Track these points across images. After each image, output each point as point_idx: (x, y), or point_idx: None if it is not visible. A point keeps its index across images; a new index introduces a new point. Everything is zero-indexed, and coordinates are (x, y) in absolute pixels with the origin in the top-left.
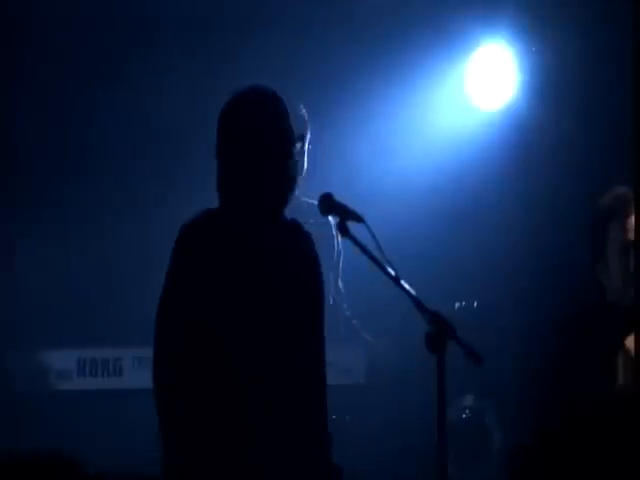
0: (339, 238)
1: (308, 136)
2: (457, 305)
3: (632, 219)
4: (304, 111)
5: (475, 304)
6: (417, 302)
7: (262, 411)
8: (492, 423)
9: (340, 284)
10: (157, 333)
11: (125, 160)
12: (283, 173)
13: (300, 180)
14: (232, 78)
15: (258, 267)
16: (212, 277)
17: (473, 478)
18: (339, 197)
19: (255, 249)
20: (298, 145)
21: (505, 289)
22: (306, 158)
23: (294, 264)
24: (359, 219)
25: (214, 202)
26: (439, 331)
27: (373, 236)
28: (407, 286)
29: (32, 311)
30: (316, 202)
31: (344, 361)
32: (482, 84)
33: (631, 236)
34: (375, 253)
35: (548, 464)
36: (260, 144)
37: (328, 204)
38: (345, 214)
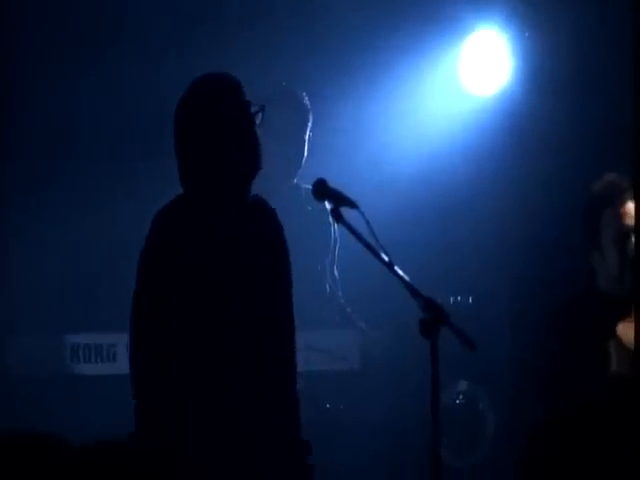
0: (335, 225)
1: (310, 124)
2: (452, 300)
3: (626, 206)
4: (307, 100)
5: (470, 300)
6: (411, 288)
7: (230, 395)
8: (486, 408)
9: (335, 272)
10: (131, 323)
11: (122, 147)
12: (241, 158)
13: (294, 169)
14: (228, 64)
15: (221, 251)
16: (177, 265)
17: (467, 463)
18: (332, 183)
19: (218, 234)
20: (258, 129)
21: (499, 276)
22: (307, 146)
23: (258, 244)
24: (353, 205)
25: None
26: (433, 317)
27: (367, 222)
28: (401, 272)
29: (25, 297)
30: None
31: (338, 348)
32: (475, 70)
33: (627, 222)
34: (369, 239)
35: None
36: (215, 131)
37: (322, 190)
38: (339, 200)
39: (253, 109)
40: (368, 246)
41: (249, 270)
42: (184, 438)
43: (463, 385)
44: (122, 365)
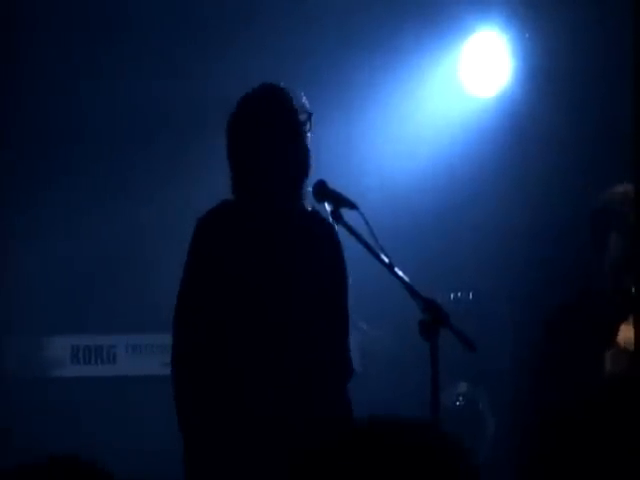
0: (335, 227)
1: (308, 125)
2: (452, 296)
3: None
4: (305, 100)
5: (470, 295)
6: (411, 289)
7: (278, 408)
8: (486, 410)
9: None
10: (175, 325)
11: (119, 147)
12: (295, 167)
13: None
14: (228, 65)
15: (271, 260)
16: (225, 271)
17: None
18: (332, 185)
19: (269, 247)
20: (307, 136)
21: (501, 276)
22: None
23: (310, 258)
24: (353, 206)
25: (209, 191)
26: (432, 318)
27: (367, 223)
28: (401, 273)
29: (26, 298)
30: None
31: None
32: (476, 71)
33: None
34: (369, 240)
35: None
36: (268, 139)
37: (322, 191)
38: (339, 201)
39: (302, 117)
40: (368, 247)
41: (293, 283)
42: (221, 444)
43: (463, 386)
44: (122, 367)
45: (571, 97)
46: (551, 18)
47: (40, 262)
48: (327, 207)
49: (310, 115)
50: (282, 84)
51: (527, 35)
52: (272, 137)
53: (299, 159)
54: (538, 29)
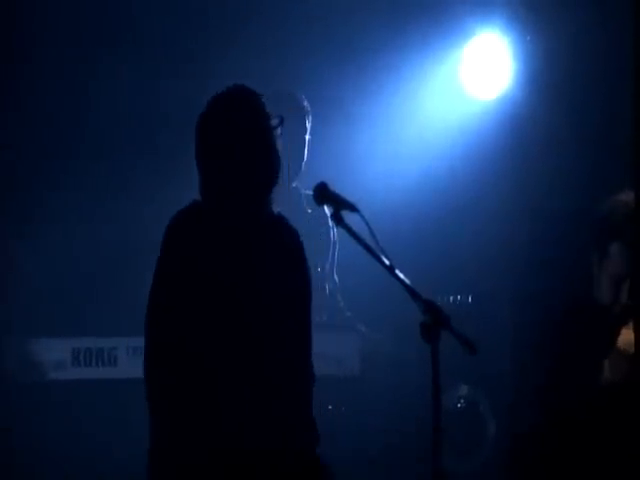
0: (335, 229)
1: (309, 127)
2: (452, 299)
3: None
4: (306, 102)
5: (470, 298)
6: (412, 291)
7: (244, 410)
8: (487, 412)
9: (335, 275)
10: (145, 332)
11: (120, 147)
12: (261, 169)
13: (294, 172)
14: (229, 65)
15: (234, 262)
16: (193, 277)
17: (468, 467)
18: (333, 187)
19: (237, 247)
20: (279, 142)
21: (501, 279)
22: (306, 149)
23: (273, 258)
24: (353, 208)
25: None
26: (433, 321)
27: (368, 225)
28: (402, 275)
29: (25, 300)
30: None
31: (338, 352)
32: (477, 73)
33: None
34: (370, 242)
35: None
36: (236, 142)
37: (323, 194)
38: (339, 204)
39: (273, 122)
40: (369, 249)
41: (262, 283)
42: (192, 442)
43: (464, 389)
44: (123, 369)
45: (572, 100)
46: (552, 21)
47: (40, 263)
48: (327, 210)
49: (282, 120)
50: (252, 87)
51: (528, 38)
52: (240, 141)
53: (267, 164)
54: (539, 32)
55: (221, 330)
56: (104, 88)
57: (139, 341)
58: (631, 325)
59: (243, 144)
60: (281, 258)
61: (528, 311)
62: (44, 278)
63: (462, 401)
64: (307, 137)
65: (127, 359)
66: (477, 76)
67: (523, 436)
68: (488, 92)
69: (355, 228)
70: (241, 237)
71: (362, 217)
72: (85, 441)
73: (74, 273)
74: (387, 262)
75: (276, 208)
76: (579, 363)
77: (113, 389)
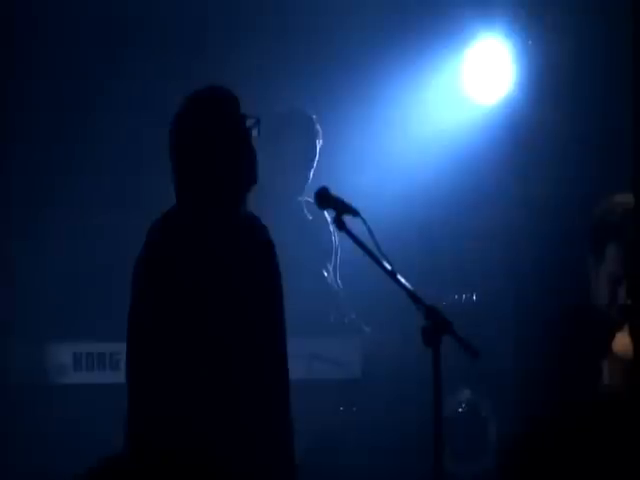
0: (336, 234)
1: (318, 149)
2: (456, 297)
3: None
4: (318, 126)
5: (474, 296)
6: (413, 296)
7: (216, 412)
8: (489, 416)
9: (338, 279)
10: (127, 336)
11: (122, 151)
12: (237, 172)
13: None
14: (232, 64)
15: (208, 266)
16: (165, 278)
17: (470, 471)
18: (335, 191)
19: (207, 248)
20: (254, 142)
21: (504, 285)
22: (312, 171)
23: (243, 260)
24: (355, 213)
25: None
26: (435, 325)
27: (369, 230)
28: (403, 280)
29: (28, 305)
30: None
31: (341, 355)
32: (478, 79)
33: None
34: (371, 247)
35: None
36: (210, 145)
37: (324, 198)
38: (341, 208)
39: (249, 122)
40: (370, 254)
41: (234, 284)
42: (171, 446)
43: (466, 393)
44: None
45: (575, 105)
46: (554, 25)
47: (41, 267)
48: (327, 215)
49: (258, 121)
50: (227, 88)
51: (530, 42)
52: (214, 140)
53: (242, 164)
54: (541, 36)
55: (190, 334)
56: (103, 88)
57: None
58: (626, 330)
59: (217, 143)
60: (252, 260)
61: (533, 314)
62: (45, 282)
63: (464, 405)
64: (315, 159)
65: None
66: (478, 81)
67: (525, 439)
68: (489, 97)
69: (357, 232)
70: (212, 240)
71: (364, 221)
72: (87, 445)
73: (76, 276)
74: (389, 267)
75: (251, 208)
76: (577, 366)
77: (115, 394)
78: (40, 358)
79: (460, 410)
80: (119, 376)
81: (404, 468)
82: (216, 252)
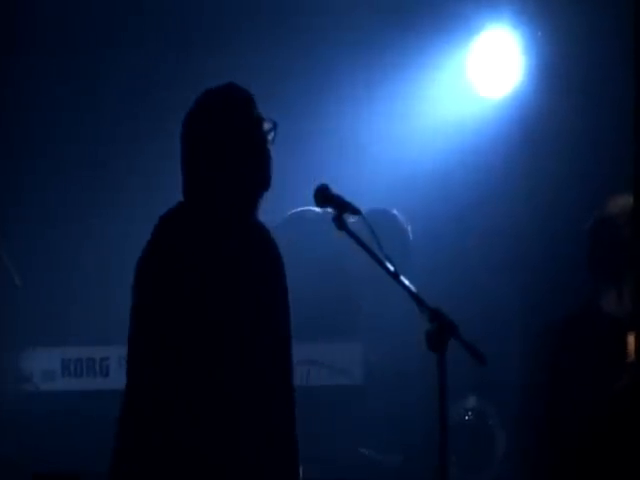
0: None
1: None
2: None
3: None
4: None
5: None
6: (417, 299)
7: (215, 417)
8: (496, 425)
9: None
10: (128, 335)
11: (120, 153)
12: (250, 174)
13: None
14: (236, 61)
15: (213, 268)
16: (171, 277)
17: None
18: (335, 189)
19: (213, 251)
20: (271, 146)
21: (511, 284)
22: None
23: (257, 271)
24: (356, 211)
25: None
26: (440, 329)
27: (371, 229)
28: (407, 282)
29: (15, 309)
30: (319, 210)
31: (341, 361)
32: (485, 71)
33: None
34: (373, 247)
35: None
36: (225, 144)
37: (324, 196)
38: (342, 207)
39: (266, 126)
40: (372, 255)
41: (240, 293)
42: (172, 450)
43: (472, 401)
44: (115, 380)
45: (585, 98)
46: (564, 14)
47: (28, 271)
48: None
49: (275, 124)
50: (244, 88)
51: (540, 33)
52: (229, 139)
53: (257, 166)
54: (551, 26)
55: (195, 334)
56: (98, 99)
57: None
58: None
59: (232, 143)
60: (262, 268)
61: (539, 320)
62: (32, 286)
63: (470, 413)
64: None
65: (119, 369)
66: (486, 73)
67: (535, 449)
68: (497, 90)
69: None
70: (222, 242)
71: (365, 220)
72: (76, 453)
73: (65, 282)
74: (391, 268)
75: (262, 216)
76: (589, 370)
77: (105, 401)
78: (26, 364)
79: (466, 418)
80: (109, 382)
81: (408, 477)
82: (223, 253)
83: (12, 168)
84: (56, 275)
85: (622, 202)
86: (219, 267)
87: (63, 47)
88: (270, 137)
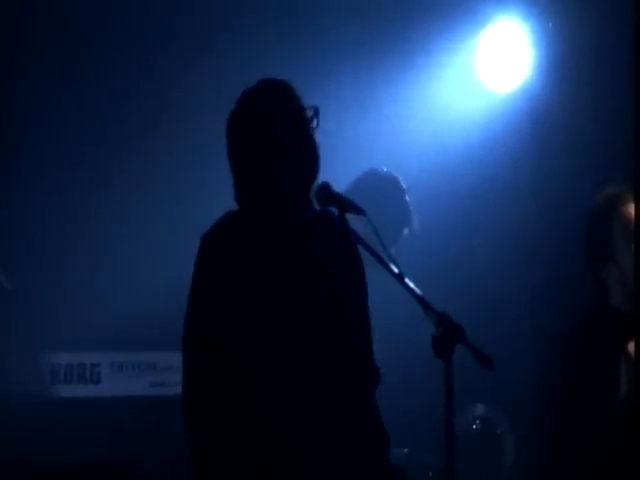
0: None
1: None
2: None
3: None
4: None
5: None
6: (423, 302)
7: (297, 425)
8: (505, 434)
9: None
10: (183, 349)
11: (118, 153)
12: (304, 165)
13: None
14: (240, 60)
15: (286, 273)
16: (232, 290)
17: None
18: (339, 186)
19: (275, 252)
20: (315, 134)
21: (519, 283)
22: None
23: (326, 261)
24: (359, 211)
25: (202, 202)
26: (447, 334)
27: (375, 230)
28: (412, 285)
29: (2, 312)
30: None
31: None
32: (494, 64)
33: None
34: (377, 248)
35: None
36: (275, 139)
37: (326, 195)
38: (344, 206)
39: (308, 112)
40: (376, 256)
41: (311, 292)
42: (243, 463)
43: (480, 409)
44: (106, 387)
45: (596, 92)
46: (577, 4)
47: (16, 272)
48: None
49: (317, 110)
50: (285, 79)
51: (550, 24)
52: (276, 135)
53: (308, 161)
54: (561, 17)
55: (268, 351)
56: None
57: (124, 356)
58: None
59: (279, 138)
60: (332, 262)
61: (550, 325)
62: (20, 288)
63: (478, 422)
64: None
65: (111, 376)
66: (495, 66)
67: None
68: (506, 83)
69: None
70: (286, 246)
71: (369, 220)
72: (65, 463)
73: (54, 282)
74: (396, 270)
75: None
76: (594, 373)
77: (96, 409)
78: (14, 371)
79: (474, 427)
80: (100, 389)
81: None
82: (284, 254)
83: (0, 168)
84: (45, 276)
85: (608, 194)
86: (288, 267)
87: (53, 47)
88: (314, 124)
